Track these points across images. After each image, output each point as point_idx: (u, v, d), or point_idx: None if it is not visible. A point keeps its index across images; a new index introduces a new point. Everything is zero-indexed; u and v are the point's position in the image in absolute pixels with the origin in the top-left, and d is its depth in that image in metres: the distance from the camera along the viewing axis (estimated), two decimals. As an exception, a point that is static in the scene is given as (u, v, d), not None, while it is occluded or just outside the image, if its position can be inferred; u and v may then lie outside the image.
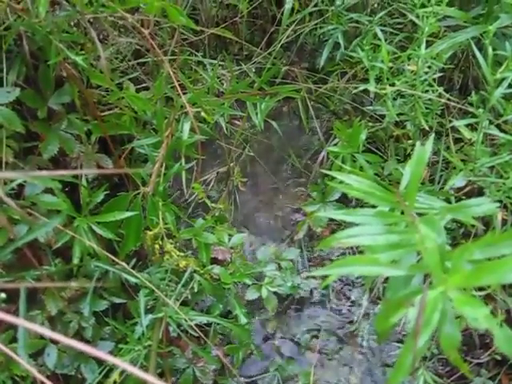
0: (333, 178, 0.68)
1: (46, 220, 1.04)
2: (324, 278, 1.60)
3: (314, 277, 1.67)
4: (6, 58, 1.14)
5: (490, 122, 1.08)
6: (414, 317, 0.51)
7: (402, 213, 0.66)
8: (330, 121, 1.95)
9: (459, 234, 1.44)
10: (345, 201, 1.70)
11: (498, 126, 1.11)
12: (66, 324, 1.21)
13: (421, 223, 0.60)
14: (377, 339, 1.52)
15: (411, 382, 1.35)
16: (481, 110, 1.02)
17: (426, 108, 1.36)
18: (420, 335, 0.50)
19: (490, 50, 0.95)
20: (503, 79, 0.99)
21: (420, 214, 0.64)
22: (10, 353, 0.58)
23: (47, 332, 0.45)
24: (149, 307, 1.16)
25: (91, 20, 1.23)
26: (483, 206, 0.69)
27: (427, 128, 1.36)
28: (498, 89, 0.98)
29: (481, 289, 1.10)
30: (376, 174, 1.48)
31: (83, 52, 1.17)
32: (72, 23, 1.25)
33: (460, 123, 1.08)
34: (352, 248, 1.68)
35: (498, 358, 1.40)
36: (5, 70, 1.14)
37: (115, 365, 1.01)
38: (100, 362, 1.18)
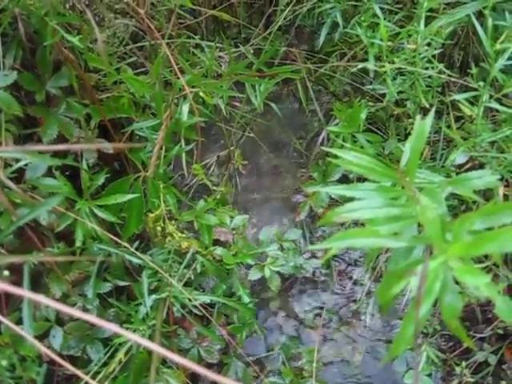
0: (334, 157, 0.68)
1: (47, 203, 1.04)
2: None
3: (316, 257, 1.68)
4: (2, 42, 1.14)
5: (491, 97, 1.07)
6: (415, 286, 0.51)
7: (403, 188, 0.66)
8: (330, 102, 1.94)
9: (461, 212, 1.44)
10: (346, 181, 1.69)
11: (498, 101, 1.10)
12: (70, 306, 1.22)
13: (422, 195, 0.60)
14: (380, 310, 1.53)
15: (414, 357, 1.37)
16: (481, 83, 1.01)
17: (426, 86, 1.35)
18: (422, 304, 0.50)
19: (489, 20, 0.94)
20: (504, 50, 0.98)
21: (421, 189, 0.64)
22: (17, 329, 0.58)
23: (60, 307, 0.46)
24: (152, 288, 1.17)
25: (86, 2, 1.22)
26: (484, 178, 0.68)
27: (427, 106, 1.35)
28: (498, 61, 0.97)
29: (481, 263, 1.10)
30: (377, 154, 1.48)
31: (80, 35, 1.16)
32: (67, 6, 1.24)
33: (461, 97, 1.07)
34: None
35: (501, 332, 1.41)
36: (1, 53, 1.13)
37: (120, 345, 1.02)
38: (105, 343, 1.19)
